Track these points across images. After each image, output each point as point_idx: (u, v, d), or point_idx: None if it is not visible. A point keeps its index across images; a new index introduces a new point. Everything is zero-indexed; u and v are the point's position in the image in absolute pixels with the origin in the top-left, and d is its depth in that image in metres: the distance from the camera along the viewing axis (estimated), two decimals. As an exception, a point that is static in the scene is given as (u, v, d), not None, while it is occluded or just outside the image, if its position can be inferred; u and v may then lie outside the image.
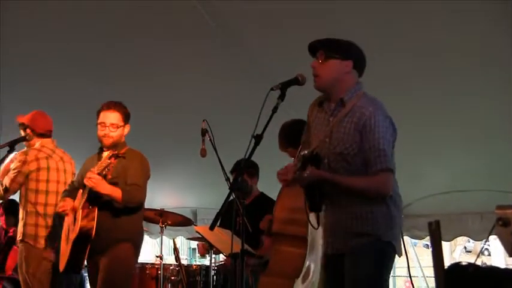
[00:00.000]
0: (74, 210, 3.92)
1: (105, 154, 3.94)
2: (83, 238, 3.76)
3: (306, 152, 2.86)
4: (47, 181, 4.50)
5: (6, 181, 4.48)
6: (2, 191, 4.51)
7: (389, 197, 2.87)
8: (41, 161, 4.51)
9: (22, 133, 4.66)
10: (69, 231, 3.95)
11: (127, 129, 4.05)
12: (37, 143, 4.61)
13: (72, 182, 4.29)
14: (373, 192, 2.85)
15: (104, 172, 3.70)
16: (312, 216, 2.98)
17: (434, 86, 4.81)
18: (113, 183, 3.81)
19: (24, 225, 4.46)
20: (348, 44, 2.98)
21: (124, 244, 3.88)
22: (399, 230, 2.94)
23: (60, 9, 4.74)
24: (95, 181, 3.69)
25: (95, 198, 3.78)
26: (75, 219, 3.87)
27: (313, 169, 2.77)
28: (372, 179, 2.83)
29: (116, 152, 3.74)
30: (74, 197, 4.04)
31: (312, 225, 2.99)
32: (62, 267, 3.96)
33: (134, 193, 3.86)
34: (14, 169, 4.47)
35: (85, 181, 3.75)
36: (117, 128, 3.95)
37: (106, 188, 3.74)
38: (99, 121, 3.96)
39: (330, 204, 2.93)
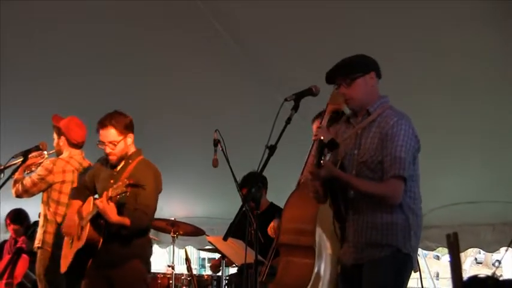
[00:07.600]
0: (81, 214, 3.87)
1: (120, 166, 3.88)
2: (88, 249, 3.72)
3: (322, 137, 2.87)
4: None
5: (28, 182, 4.48)
6: (20, 189, 4.50)
7: (408, 208, 2.89)
8: (67, 174, 4.49)
9: (55, 135, 4.63)
10: (74, 237, 3.91)
11: (130, 138, 3.89)
12: (66, 153, 4.58)
13: (84, 180, 4.16)
14: (380, 197, 2.88)
15: (117, 198, 3.58)
16: (337, 227, 3.02)
17: (447, 99, 4.79)
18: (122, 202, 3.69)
19: (44, 232, 4.47)
20: (362, 58, 3.06)
21: (135, 260, 3.82)
22: (417, 243, 2.96)
23: (67, 8, 4.77)
24: (103, 207, 3.58)
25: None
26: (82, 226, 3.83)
27: (329, 165, 2.83)
28: (381, 185, 2.87)
29: (133, 181, 3.56)
30: (81, 197, 3.99)
31: (337, 235, 3.05)
32: (64, 268, 3.95)
33: (142, 218, 3.76)
34: (39, 175, 4.47)
35: (96, 202, 3.65)
36: (117, 143, 3.82)
37: (114, 217, 3.62)
38: (99, 139, 3.84)
39: (352, 213, 2.96)
